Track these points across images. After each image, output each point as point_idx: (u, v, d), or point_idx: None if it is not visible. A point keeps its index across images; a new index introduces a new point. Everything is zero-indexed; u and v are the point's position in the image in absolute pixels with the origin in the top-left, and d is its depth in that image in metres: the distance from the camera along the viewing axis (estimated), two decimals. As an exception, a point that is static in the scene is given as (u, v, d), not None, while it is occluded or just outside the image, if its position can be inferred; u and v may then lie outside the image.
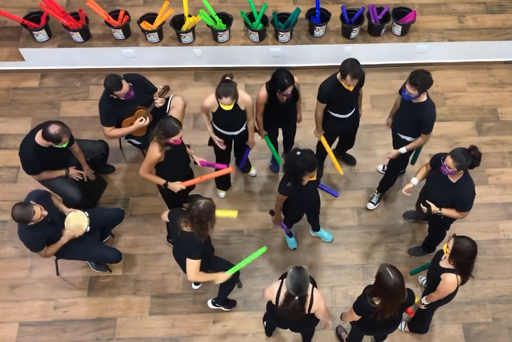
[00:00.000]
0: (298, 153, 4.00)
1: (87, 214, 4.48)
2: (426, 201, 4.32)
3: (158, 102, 4.85)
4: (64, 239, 4.39)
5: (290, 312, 3.63)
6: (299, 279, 3.55)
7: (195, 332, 4.81)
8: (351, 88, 4.48)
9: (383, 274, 3.52)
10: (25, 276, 5.02)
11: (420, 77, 4.20)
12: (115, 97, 4.63)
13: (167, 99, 5.05)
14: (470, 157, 3.98)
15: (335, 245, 5.19)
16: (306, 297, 3.62)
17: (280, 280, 3.78)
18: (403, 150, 4.73)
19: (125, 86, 4.58)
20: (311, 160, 4.00)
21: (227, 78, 4.45)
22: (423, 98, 4.39)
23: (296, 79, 4.58)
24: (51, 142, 4.37)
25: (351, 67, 4.32)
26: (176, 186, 4.57)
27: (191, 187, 5.09)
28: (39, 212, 4.10)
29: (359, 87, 4.69)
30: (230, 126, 4.79)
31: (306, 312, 3.71)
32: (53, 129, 4.31)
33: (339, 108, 4.78)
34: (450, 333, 4.82)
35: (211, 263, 4.30)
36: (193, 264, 3.97)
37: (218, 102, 4.45)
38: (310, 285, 3.68)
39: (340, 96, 4.60)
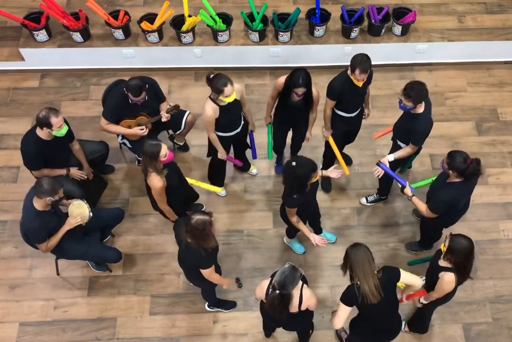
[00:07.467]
0: (294, 163, 3.94)
1: (85, 201, 4.46)
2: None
3: (164, 118, 4.89)
4: (66, 227, 4.34)
5: (270, 305, 3.61)
6: (288, 277, 3.55)
7: (195, 332, 4.81)
8: (360, 84, 4.48)
9: None
10: (25, 276, 5.02)
11: (415, 89, 4.19)
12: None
13: (181, 117, 5.13)
14: (464, 163, 3.95)
15: (335, 245, 5.18)
16: (288, 296, 3.58)
17: (270, 278, 3.77)
18: (390, 157, 4.62)
19: (143, 95, 4.66)
20: (309, 162, 3.99)
21: (212, 75, 4.40)
22: (420, 109, 4.36)
23: (315, 90, 4.58)
24: (44, 126, 4.37)
25: (361, 61, 4.33)
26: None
27: (195, 198, 5.10)
28: (62, 190, 4.14)
29: (367, 85, 4.70)
30: (233, 124, 4.76)
31: (297, 309, 3.71)
32: (41, 112, 4.35)
33: (346, 106, 4.77)
34: (450, 333, 4.81)
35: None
36: (207, 272, 4.01)
37: (217, 104, 4.45)
38: (300, 284, 3.68)
39: (350, 93, 4.60)
